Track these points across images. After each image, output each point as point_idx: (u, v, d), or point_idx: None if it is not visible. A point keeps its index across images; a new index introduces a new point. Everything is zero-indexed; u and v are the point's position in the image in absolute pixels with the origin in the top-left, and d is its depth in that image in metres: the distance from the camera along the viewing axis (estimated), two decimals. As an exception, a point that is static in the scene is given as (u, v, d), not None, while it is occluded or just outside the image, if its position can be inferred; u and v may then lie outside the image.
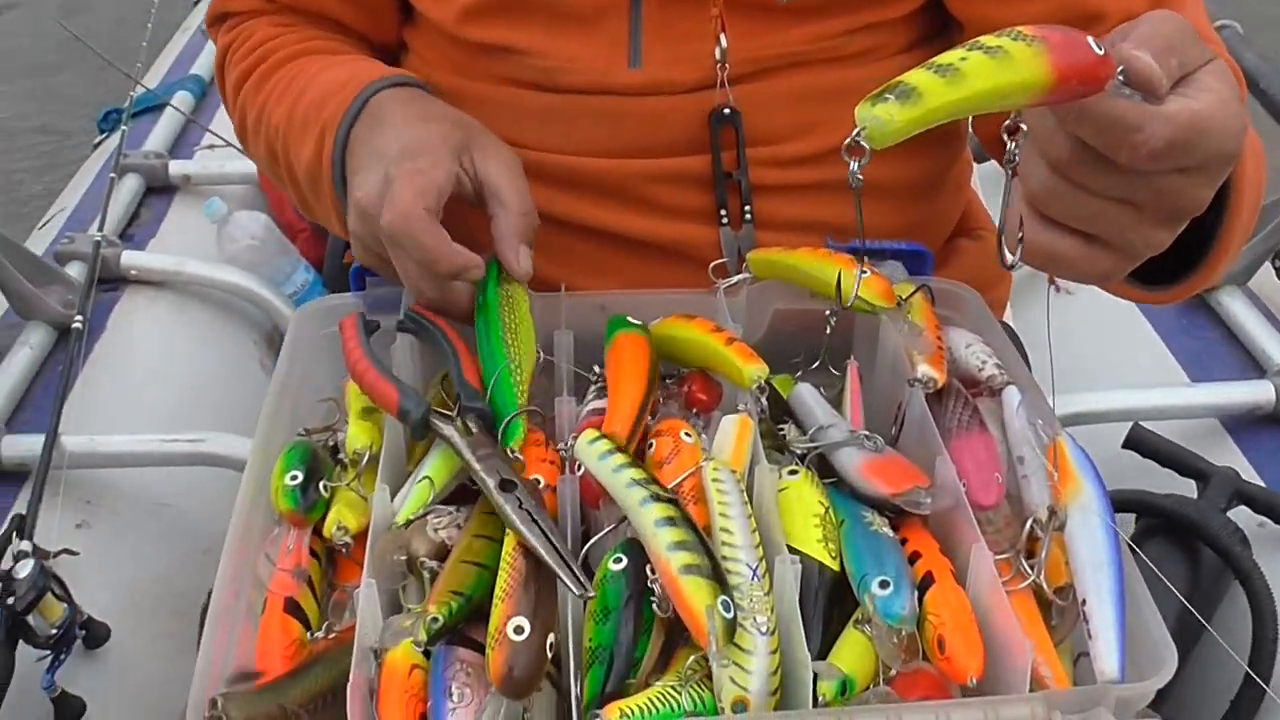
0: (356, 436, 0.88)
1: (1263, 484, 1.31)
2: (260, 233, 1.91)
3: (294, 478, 0.83)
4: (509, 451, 0.82)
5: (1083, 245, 0.69)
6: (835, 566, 0.78)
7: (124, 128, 2.01)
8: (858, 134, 0.59)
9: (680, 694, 0.71)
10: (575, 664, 0.72)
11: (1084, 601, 0.74)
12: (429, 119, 0.97)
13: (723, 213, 1.06)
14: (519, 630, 0.69)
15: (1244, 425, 1.45)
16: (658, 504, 0.74)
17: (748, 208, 1.06)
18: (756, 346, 0.91)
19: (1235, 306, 1.59)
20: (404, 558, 0.78)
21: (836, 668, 0.73)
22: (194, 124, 2.20)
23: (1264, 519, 1.28)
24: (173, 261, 1.85)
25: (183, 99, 2.25)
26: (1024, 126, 0.66)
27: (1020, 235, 0.69)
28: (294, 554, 0.80)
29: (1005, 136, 0.67)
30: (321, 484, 0.83)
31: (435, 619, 0.72)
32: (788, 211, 1.07)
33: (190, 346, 1.77)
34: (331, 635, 0.77)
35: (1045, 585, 0.77)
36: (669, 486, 0.78)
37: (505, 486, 0.77)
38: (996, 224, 0.73)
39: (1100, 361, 1.59)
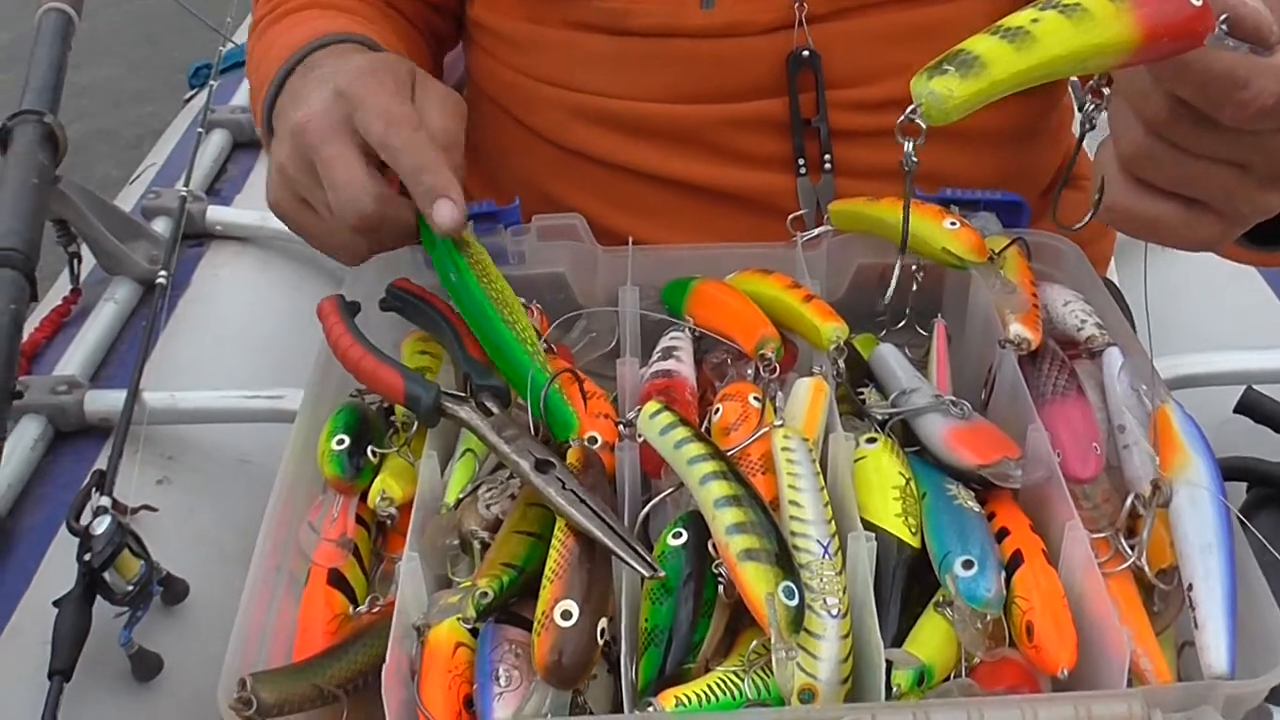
0: (408, 396, 0.82)
1: (1386, 451, 1.22)
2: (344, 185, 1.89)
3: (340, 442, 0.78)
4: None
5: (1183, 211, 0.63)
6: (915, 543, 0.72)
7: (212, 83, 1.99)
8: (913, 112, 0.52)
9: (743, 680, 0.66)
10: (630, 646, 0.67)
11: (1190, 586, 0.67)
12: (373, 60, 0.90)
13: (800, 161, 1.00)
14: (567, 615, 0.64)
15: (1367, 389, 1.35)
16: (719, 481, 0.68)
17: (827, 155, 1.00)
18: (837, 304, 0.85)
19: (1359, 263, 1.49)
20: (457, 541, 0.73)
21: (913, 656, 0.67)
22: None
23: (1388, 489, 1.19)
24: (256, 216, 1.84)
25: (272, 53, 2.23)
26: (1107, 91, 0.59)
27: (1098, 198, 0.63)
28: (339, 523, 0.76)
29: (1086, 96, 0.60)
30: (370, 449, 0.79)
31: (485, 593, 0.68)
32: (870, 158, 1.01)
33: (273, 302, 1.76)
34: (376, 610, 0.73)
35: (1147, 568, 0.70)
36: (732, 454, 0.73)
37: (542, 467, 0.72)
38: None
39: (1211, 321, 1.50)
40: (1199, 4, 0.53)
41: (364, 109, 0.81)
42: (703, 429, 0.77)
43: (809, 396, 0.77)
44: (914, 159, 0.58)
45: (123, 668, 1.19)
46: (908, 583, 0.71)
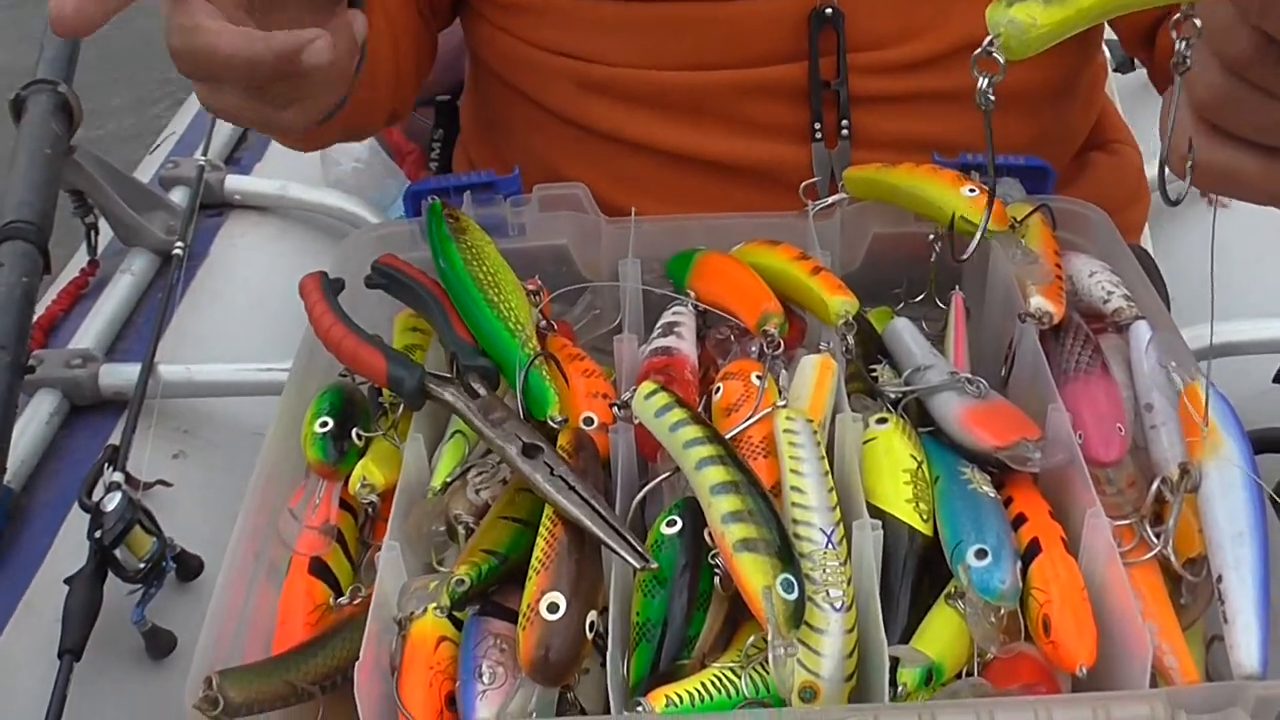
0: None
1: None
2: (365, 155, 1.88)
3: (324, 425, 0.75)
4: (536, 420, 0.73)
5: (1264, 161, 0.57)
6: (927, 531, 0.68)
7: (234, 50, 1.97)
8: (990, 43, 0.48)
9: (740, 678, 0.62)
10: (620, 641, 0.64)
11: (1220, 578, 0.62)
12: None
13: (816, 127, 0.95)
14: (554, 608, 0.61)
15: None
16: (716, 466, 0.64)
17: (845, 122, 0.95)
18: (852, 276, 0.81)
19: None
20: (443, 528, 0.70)
21: (921, 652, 0.63)
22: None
23: None
24: (276, 185, 1.82)
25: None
26: (1198, 22, 0.54)
27: (1191, 159, 0.57)
28: (322, 509, 0.73)
29: (1173, 32, 0.55)
30: (355, 432, 0.75)
31: (462, 581, 0.64)
32: (888, 126, 0.96)
33: (292, 272, 1.70)
34: (359, 601, 0.70)
35: (1173, 557, 0.66)
36: (732, 436, 0.69)
37: (529, 451, 0.68)
38: (1160, 144, 0.61)
39: (1251, 286, 1.44)
40: None
41: None
42: (702, 409, 0.74)
43: (815, 375, 0.73)
44: (990, 98, 0.53)
45: (136, 645, 1.18)
46: (918, 573, 0.67)
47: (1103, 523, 0.65)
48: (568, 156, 1.02)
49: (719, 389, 0.74)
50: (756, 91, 0.96)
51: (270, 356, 1.41)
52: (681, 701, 0.60)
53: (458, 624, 0.66)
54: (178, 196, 1.74)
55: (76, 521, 1.16)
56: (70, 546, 1.12)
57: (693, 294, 0.84)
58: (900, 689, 0.61)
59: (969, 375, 0.74)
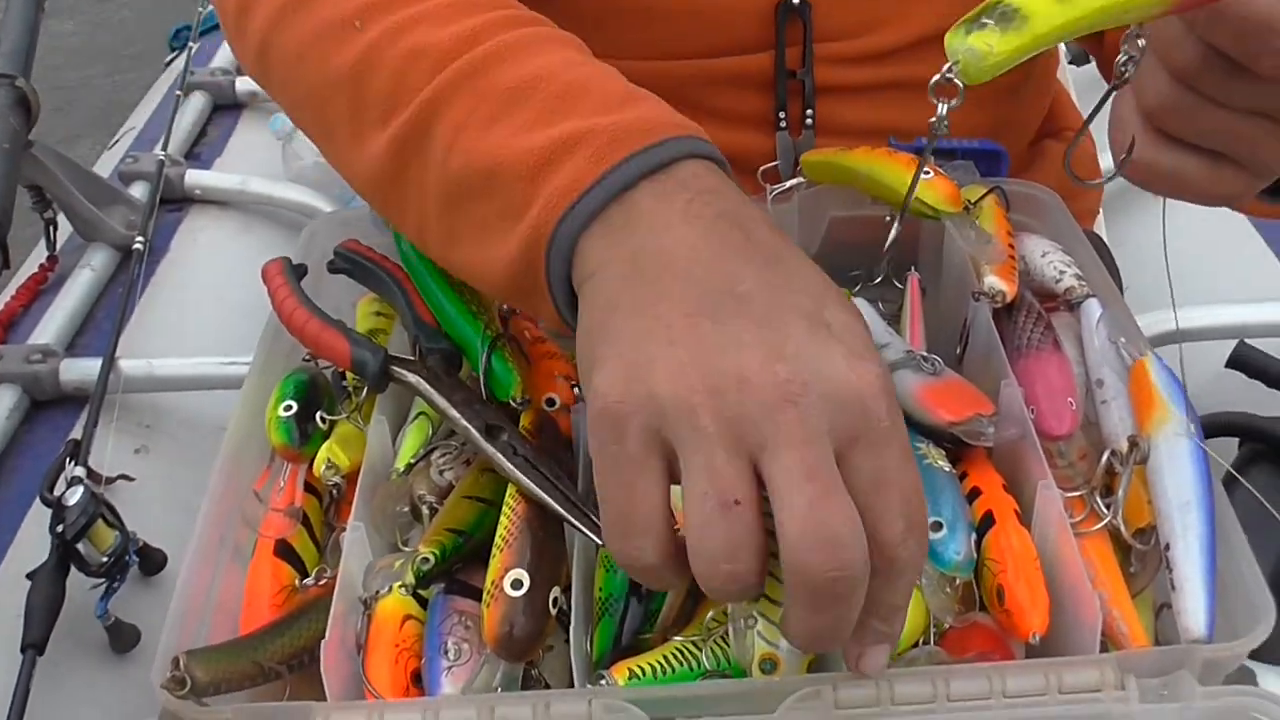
0: (358, 359, 0.79)
1: (1382, 407, 1.19)
2: (325, 150, 1.86)
3: (288, 408, 0.75)
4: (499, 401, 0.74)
5: (1208, 165, 0.60)
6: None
7: (192, 45, 1.97)
8: (949, 70, 0.49)
9: (701, 651, 0.63)
10: (584, 617, 0.65)
11: (1167, 546, 0.64)
12: (737, 279, 0.54)
13: (781, 115, 0.96)
14: (517, 584, 0.62)
15: (1364, 343, 1.31)
16: None
17: (810, 111, 0.96)
18: (813, 259, 0.81)
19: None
20: (407, 509, 0.71)
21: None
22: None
23: (1384, 445, 1.16)
24: (236, 180, 1.81)
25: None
26: (1142, 42, 0.56)
27: (1126, 155, 0.60)
28: (286, 492, 0.73)
29: (1124, 46, 0.57)
30: (319, 415, 0.76)
31: (426, 559, 0.65)
32: (853, 115, 0.97)
33: (253, 266, 1.70)
34: (324, 582, 0.70)
35: (1123, 527, 0.67)
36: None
37: (492, 432, 0.69)
38: (1099, 136, 0.63)
39: (1203, 273, 1.46)
40: None
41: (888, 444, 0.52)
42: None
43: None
44: (946, 123, 0.54)
45: (100, 640, 1.18)
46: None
47: (1054, 494, 0.66)
48: None
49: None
50: (722, 81, 0.96)
51: (232, 350, 1.41)
52: (644, 674, 0.61)
53: (423, 602, 0.66)
54: (138, 192, 1.74)
55: (38, 516, 1.16)
56: (32, 541, 1.12)
57: None
58: (858, 658, 0.62)
59: (925, 353, 0.76)
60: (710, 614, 0.64)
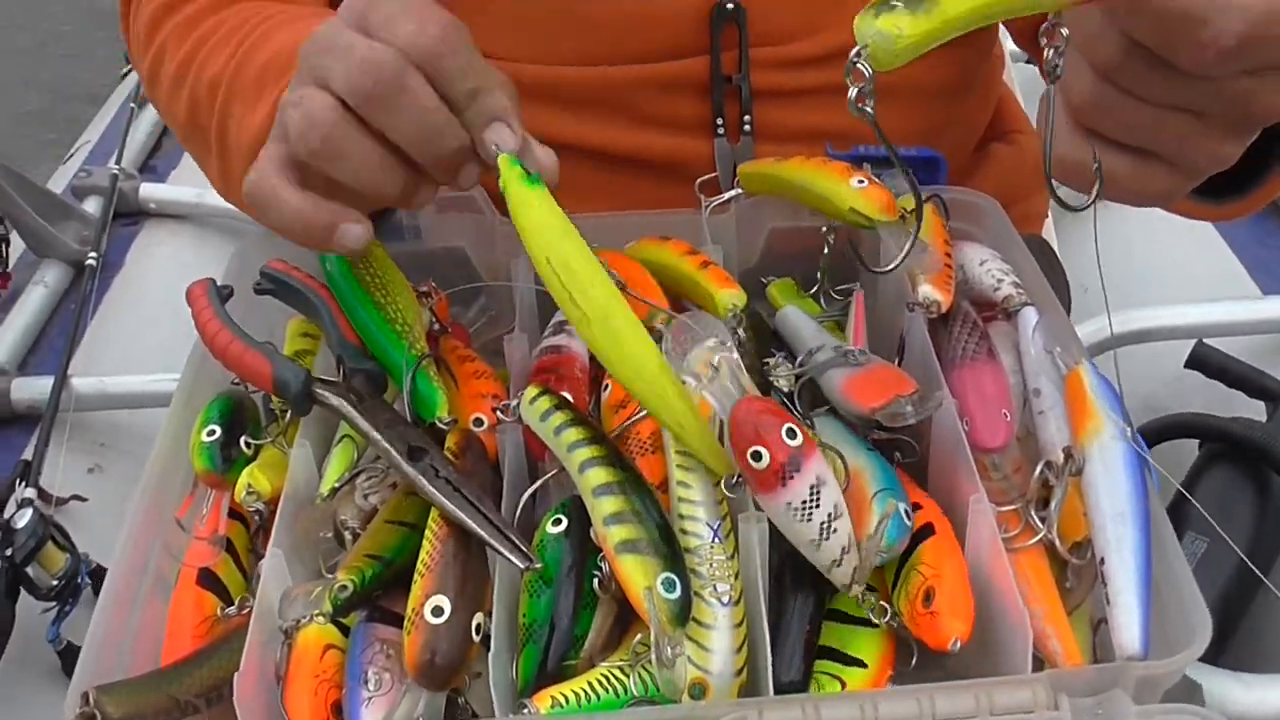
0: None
1: (1340, 405, 1.18)
2: (282, 161, 1.85)
3: (211, 433, 0.73)
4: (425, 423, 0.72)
5: (1135, 162, 0.59)
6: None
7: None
8: (858, 54, 0.47)
9: (628, 676, 0.62)
10: (507, 643, 0.63)
11: (1102, 560, 0.62)
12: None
13: (719, 121, 0.95)
14: (438, 611, 0.60)
15: (1320, 342, 1.31)
16: (598, 468, 0.64)
17: (747, 116, 0.95)
18: (750, 272, 0.80)
19: (1311, 211, 1.45)
20: (330, 534, 0.69)
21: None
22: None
23: (1342, 443, 1.15)
24: (192, 194, 1.80)
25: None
26: (1064, 31, 0.55)
27: (1047, 156, 0.59)
28: (210, 519, 0.71)
29: (1042, 40, 0.56)
30: (244, 440, 0.74)
31: (344, 586, 0.63)
32: (791, 120, 0.96)
33: (209, 281, 1.72)
34: (246, 610, 0.68)
35: (1058, 541, 0.66)
36: (618, 433, 0.69)
37: (414, 455, 0.67)
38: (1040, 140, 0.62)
39: (1161, 274, 1.46)
40: None
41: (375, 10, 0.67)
42: (591, 407, 0.73)
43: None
44: (863, 107, 0.53)
45: (51, 663, 1.16)
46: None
47: (985, 508, 0.65)
48: None
49: (608, 386, 0.74)
50: (657, 86, 0.95)
51: (185, 367, 1.40)
52: (568, 702, 0.60)
53: (346, 631, 0.65)
54: (91, 206, 1.72)
55: (-13, 540, 1.15)
56: (-19, 566, 1.11)
57: None
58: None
59: (850, 347, 0.74)
60: (638, 638, 0.62)
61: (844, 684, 0.63)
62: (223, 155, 0.88)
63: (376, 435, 0.68)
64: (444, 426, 0.72)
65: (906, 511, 0.64)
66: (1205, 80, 0.55)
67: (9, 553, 1.17)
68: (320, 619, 0.63)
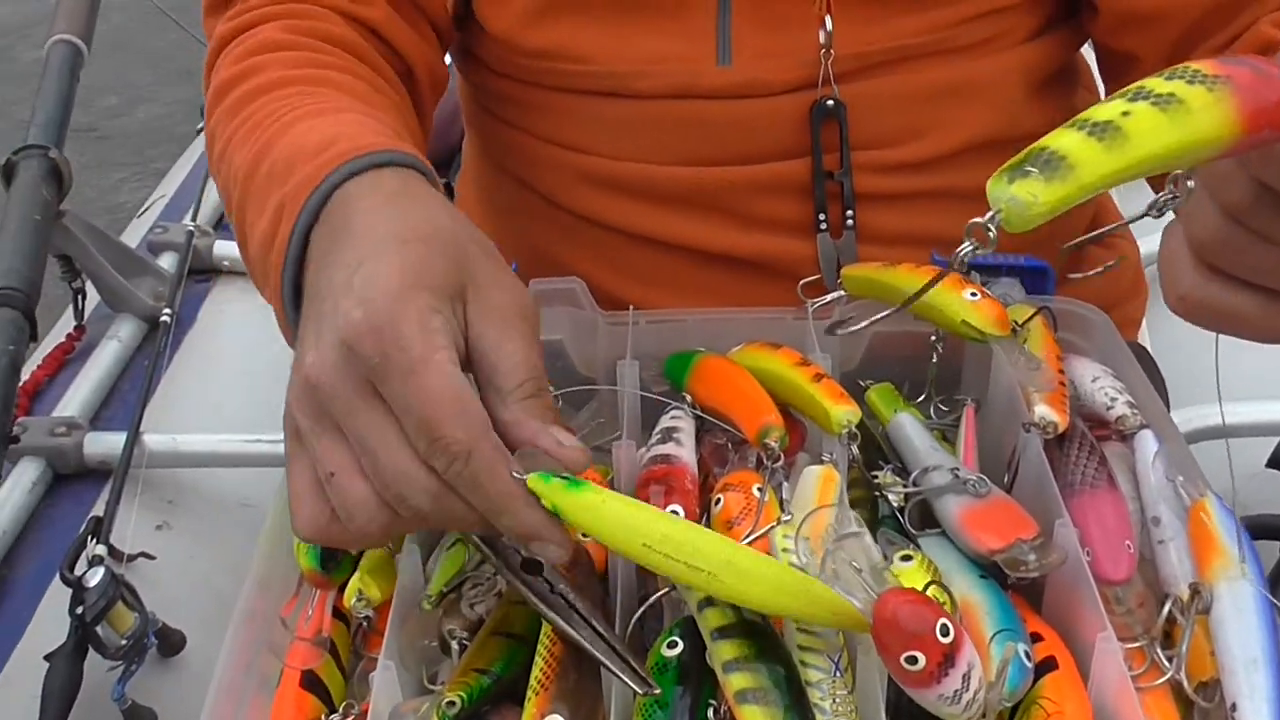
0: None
1: None
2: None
3: (316, 532, 0.73)
4: None
5: (1261, 302, 0.57)
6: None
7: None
8: (992, 218, 0.47)
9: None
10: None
11: (1234, 706, 0.61)
12: (409, 239, 0.66)
13: (821, 218, 0.94)
14: (554, 729, 0.60)
15: None
16: (713, 609, 0.63)
17: (849, 213, 0.94)
18: (852, 374, 0.79)
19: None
20: (435, 643, 0.68)
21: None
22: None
23: None
24: (264, 253, 1.80)
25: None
26: (1191, 184, 0.54)
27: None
28: (314, 620, 0.71)
29: (1170, 186, 0.55)
30: (348, 540, 0.73)
31: (452, 703, 0.63)
32: (894, 224, 0.95)
33: (280, 341, 1.71)
34: (350, 718, 0.68)
35: (1186, 682, 0.64)
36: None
37: (529, 568, 0.66)
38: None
39: (1244, 368, 1.43)
40: None
41: (390, 378, 0.60)
42: (703, 521, 0.72)
43: (818, 487, 0.71)
44: (968, 264, 0.52)
45: (117, 720, 1.15)
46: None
47: (1114, 647, 0.63)
48: (567, 244, 1.01)
49: (719, 500, 0.73)
50: (760, 187, 0.95)
51: (257, 427, 1.40)
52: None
53: (453, 745, 0.64)
54: (166, 262, 1.73)
55: (58, 594, 1.14)
56: (51, 620, 1.10)
57: (690, 397, 0.83)
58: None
59: (969, 472, 0.73)
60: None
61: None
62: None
63: (486, 549, 0.67)
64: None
65: (1027, 653, 0.63)
66: None
67: (80, 611, 1.17)
68: (430, 735, 0.62)
